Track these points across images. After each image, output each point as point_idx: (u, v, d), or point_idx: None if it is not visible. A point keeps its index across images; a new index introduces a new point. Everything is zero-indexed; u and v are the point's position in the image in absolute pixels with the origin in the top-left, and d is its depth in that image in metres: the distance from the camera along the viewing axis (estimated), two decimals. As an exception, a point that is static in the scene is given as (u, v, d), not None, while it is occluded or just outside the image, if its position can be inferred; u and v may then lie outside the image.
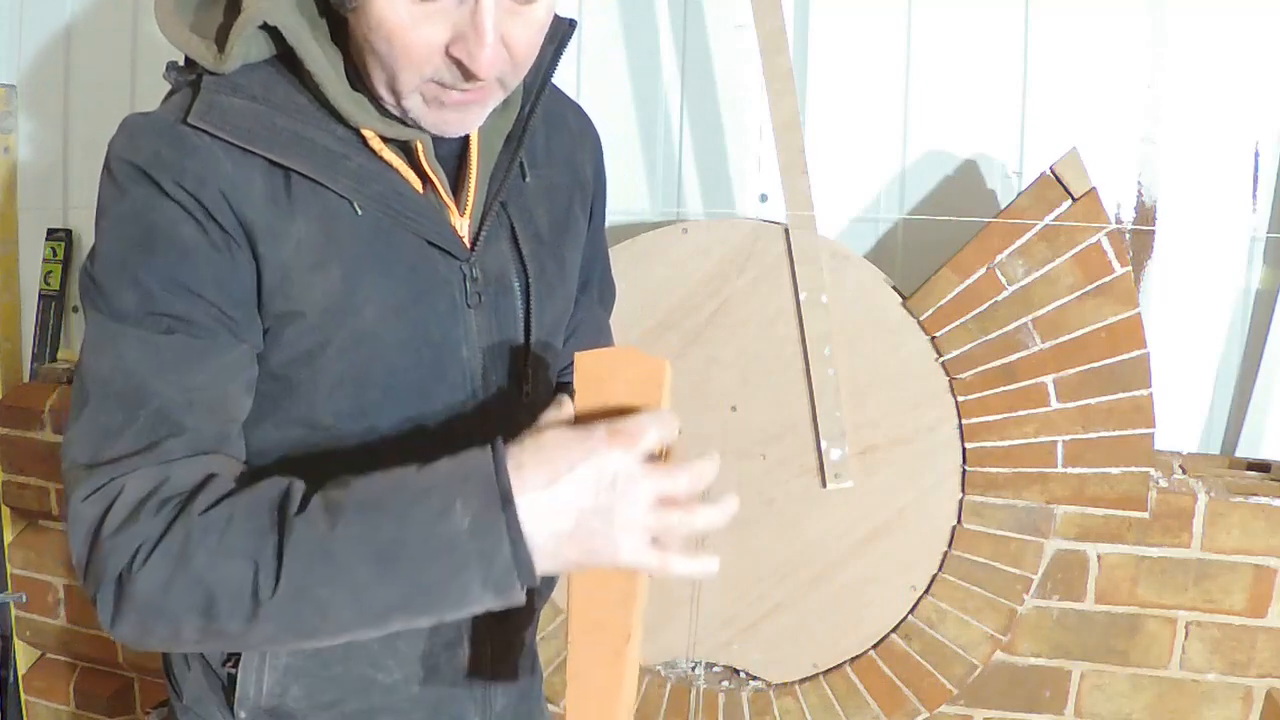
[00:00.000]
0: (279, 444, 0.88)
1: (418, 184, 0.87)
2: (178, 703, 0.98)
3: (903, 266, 1.86)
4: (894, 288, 1.73)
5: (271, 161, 0.81)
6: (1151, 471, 1.69)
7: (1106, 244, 1.62)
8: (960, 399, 1.72)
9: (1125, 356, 1.65)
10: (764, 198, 1.91)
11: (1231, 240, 1.79)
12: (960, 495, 1.74)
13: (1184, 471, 1.75)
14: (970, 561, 1.75)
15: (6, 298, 2.22)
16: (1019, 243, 1.65)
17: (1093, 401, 1.67)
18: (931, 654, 1.78)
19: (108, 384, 0.78)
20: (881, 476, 1.76)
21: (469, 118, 0.84)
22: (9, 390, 2.17)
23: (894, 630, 1.79)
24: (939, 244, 1.78)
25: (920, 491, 1.75)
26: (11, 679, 2.22)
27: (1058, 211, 1.63)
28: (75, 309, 2.24)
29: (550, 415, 0.79)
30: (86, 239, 2.20)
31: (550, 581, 1.09)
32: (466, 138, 0.89)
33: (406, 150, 0.86)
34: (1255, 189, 1.78)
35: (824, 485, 1.77)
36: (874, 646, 1.81)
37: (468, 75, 0.78)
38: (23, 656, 2.23)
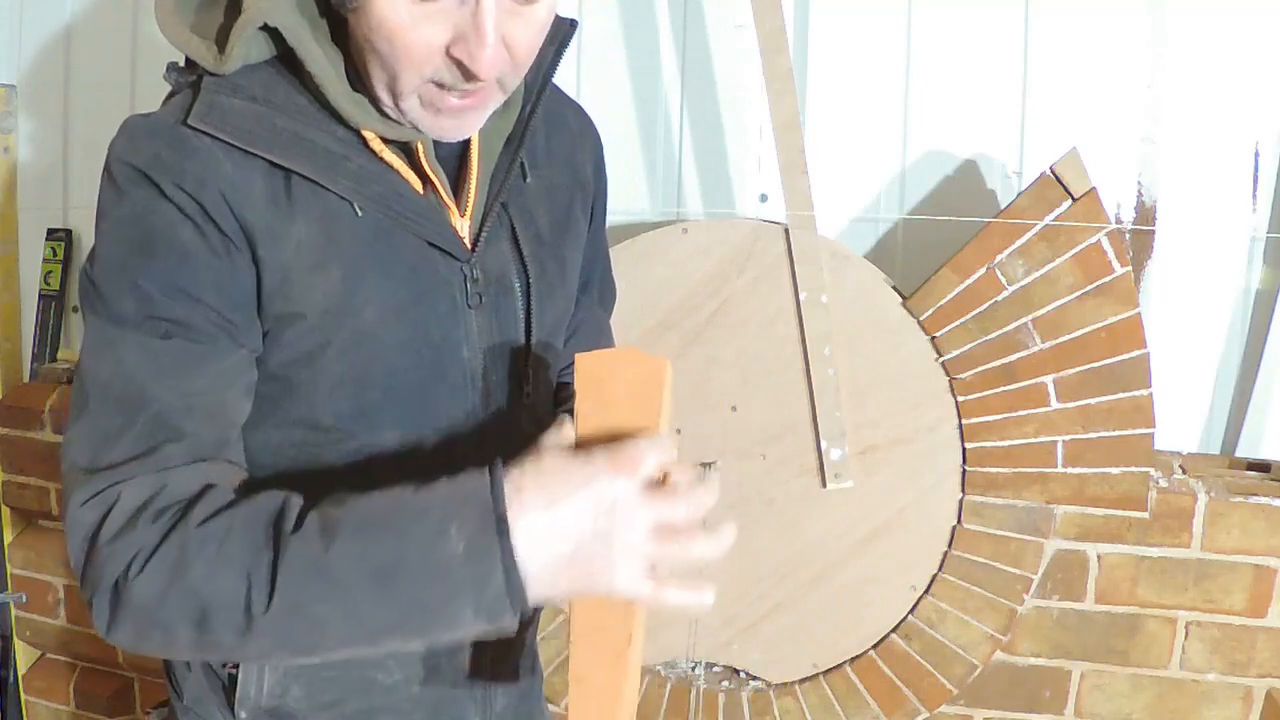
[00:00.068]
0: (279, 445, 0.87)
1: (418, 185, 0.87)
2: (178, 703, 0.98)
3: (903, 266, 1.86)
4: (894, 288, 1.73)
5: (272, 163, 0.81)
6: (1151, 471, 1.69)
7: (1106, 244, 1.63)
8: (960, 399, 1.72)
9: (1125, 356, 1.65)
10: (764, 198, 1.91)
11: (1231, 240, 1.79)
12: (960, 495, 1.74)
13: (1184, 471, 1.75)
14: (970, 561, 1.75)
15: (6, 298, 2.22)
16: (1019, 243, 1.65)
17: (1093, 401, 1.67)
18: (931, 654, 1.78)
19: (107, 388, 0.78)
20: (881, 476, 1.76)
21: (466, 124, 0.84)
22: (9, 390, 2.17)
23: (894, 630, 1.79)
24: (939, 244, 1.78)
25: (920, 491, 1.75)
26: (11, 679, 2.22)
27: (1058, 211, 1.63)
28: (75, 309, 2.24)
29: (550, 438, 0.78)
30: (86, 239, 2.20)
31: None
32: (467, 139, 0.88)
33: (407, 151, 0.86)
34: (1255, 189, 1.78)
35: (824, 485, 1.77)
36: (874, 646, 1.81)
37: (468, 76, 0.77)
38: (23, 656, 2.23)
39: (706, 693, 1.86)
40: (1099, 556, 1.72)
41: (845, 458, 1.76)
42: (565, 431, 0.78)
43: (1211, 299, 1.81)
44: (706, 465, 1.78)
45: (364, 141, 0.84)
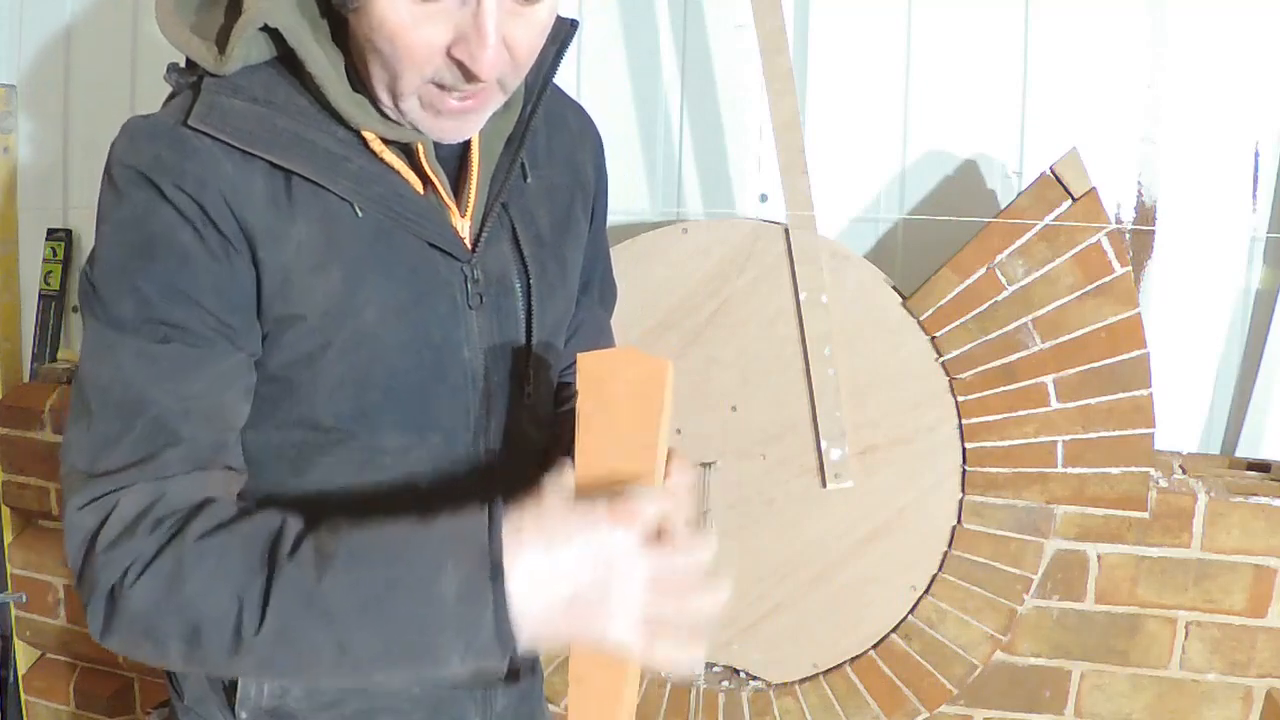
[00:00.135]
0: (279, 445, 0.87)
1: (419, 185, 0.86)
2: (179, 703, 0.98)
3: (903, 266, 1.86)
4: (894, 288, 1.73)
5: (272, 164, 0.81)
6: (1151, 471, 1.69)
7: (1106, 244, 1.63)
8: (960, 399, 1.72)
9: (1125, 356, 1.65)
10: (764, 198, 1.92)
11: (1231, 240, 1.79)
12: (960, 495, 1.74)
13: (1184, 471, 1.75)
14: (970, 561, 1.75)
15: (6, 298, 2.22)
16: (1019, 243, 1.65)
17: (1093, 401, 1.67)
18: (931, 654, 1.79)
19: (105, 392, 0.78)
20: (881, 476, 1.76)
21: (466, 125, 0.84)
22: (9, 390, 2.17)
23: (894, 630, 1.79)
24: (939, 244, 1.78)
25: (920, 491, 1.75)
26: (11, 679, 2.22)
27: (1058, 211, 1.63)
28: (75, 309, 2.24)
29: (552, 480, 0.77)
30: (86, 239, 2.20)
31: None
32: (467, 139, 0.88)
33: (407, 152, 0.86)
34: (1255, 189, 1.78)
35: (824, 485, 1.77)
36: (874, 646, 1.81)
37: (469, 77, 0.77)
38: (23, 656, 2.23)
39: (706, 693, 1.87)
40: (1099, 556, 1.72)
41: (845, 458, 1.76)
42: (566, 477, 0.78)
43: (1211, 299, 1.81)
44: (706, 465, 1.78)
45: (364, 142, 0.84)
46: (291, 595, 0.71)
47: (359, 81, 0.83)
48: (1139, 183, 1.81)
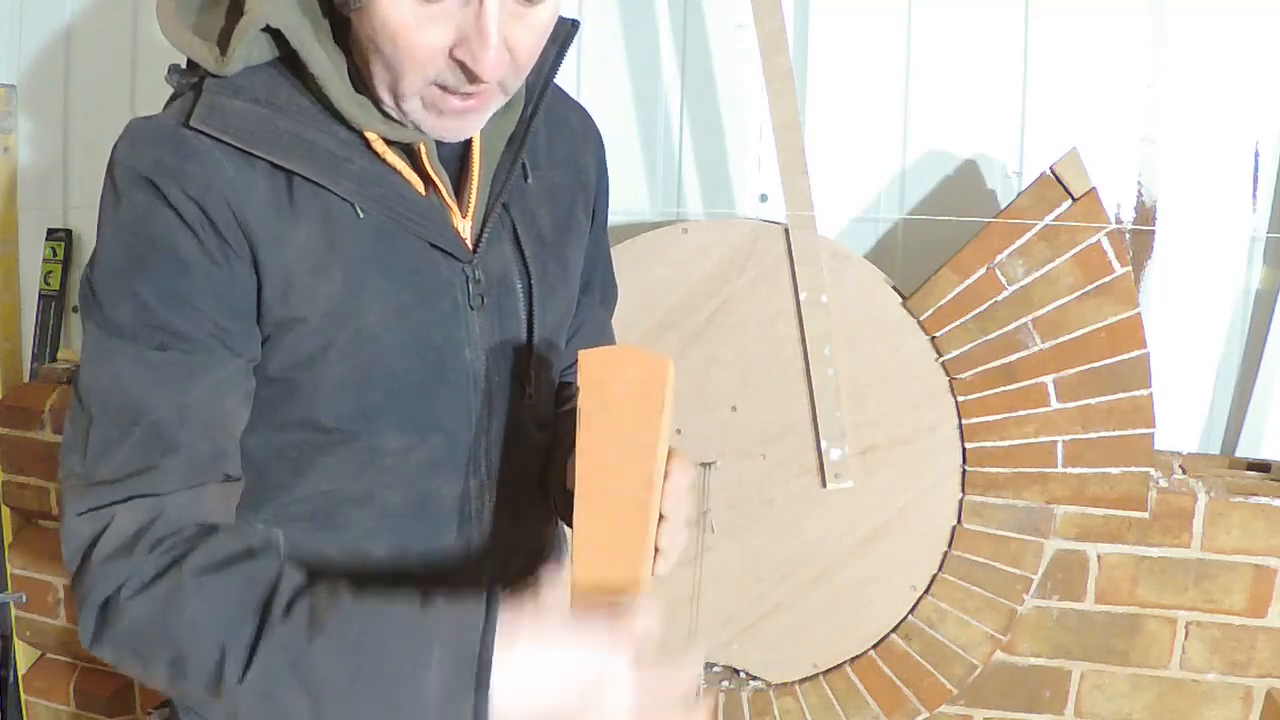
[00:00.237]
0: (280, 447, 0.87)
1: (420, 186, 0.86)
2: (179, 703, 0.98)
3: (903, 266, 1.86)
4: (894, 288, 1.73)
5: (274, 165, 0.81)
6: (1151, 471, 1.69)
7: (1106, 244, 1.63)
8: (960, 399, 1.72)
9: (1125, 356, 1.65)
10: (764, 198, 1.92)
11: (1231, 240, 1.79)
12: (960, 495, 1.74)
13: (1184, 471, 1.75)
14: (970, 561, 1.75)
15: (6, 298, 2.22)
16: (1019, 243, 1.65)
17: (1093, 401, 1.67)
18: (931, 654, 1.79)
19: (104, 398, 0.78)
20: (881, 476, 1.76)
21: (468, 124, 0.84)
22: (9, 390, 2.17)
23: (894, 630, 1.79)
24: (939, 244, 1.78)
25: (920, 491, 1.75)
26: (11, 679, 2.22)
27: (1058, 211, 1.63)
28: (75, 309, 2.24)
29: (551, 580, 0.77)
30: (86, 239, 2.20)
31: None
32: (468, 139, 0.88)
33: (409, 152, 0.86)
34: (1255, 189, 1.78)
35: (824, 485, 1.77)
36: (874, 646, 1.81)
37: (471, 78, 0.77)
38: (23, 656, 2.23)
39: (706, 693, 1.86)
40: (1099, 556, 1.72)
41: (845, 458, 1.76)
42: (565, 574, 0.78)
43: (1211, 299, 1.81)
44: (706, 465, 1.79)
45: (366, 143, 0.84)
46: (278, 655, 0.72)
47: (361, 82, 0.83)
48: (1139, 183, 1.81)
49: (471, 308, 0.89)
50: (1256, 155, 1.77)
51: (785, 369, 1.76)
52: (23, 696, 2.22)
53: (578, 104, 1.06)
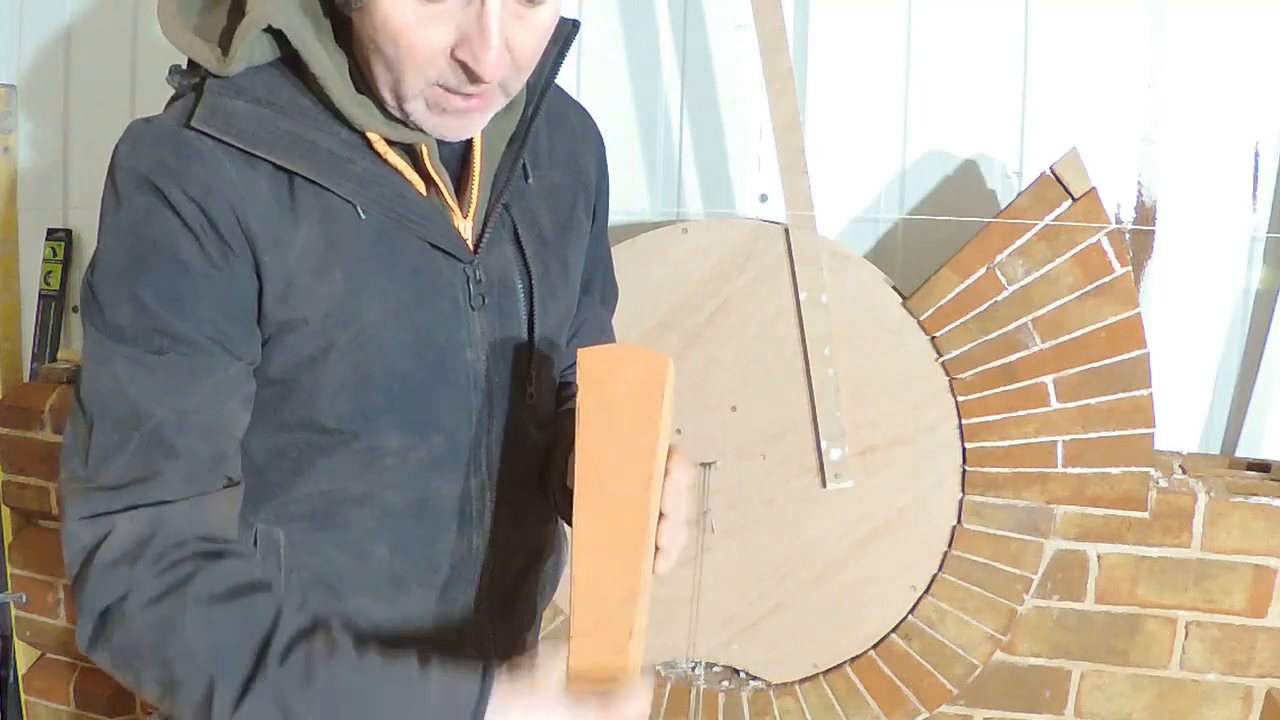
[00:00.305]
0: (280, 447, 0.87)
1: (421, 187, 0.86)
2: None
3: (903, 266, 1.86)
4: (894, 288, 1.73)
5: (275, 165, 0.81)
6: (1151, 471, 1.69)
7: (1106, 244, 1.63)
8: (960, 399, 1.72)
9: (1125, 356, 1.65)
10: (764, 198, 1.92)
11: (1231, 240, 1.79)
12: (960, 495, 1.74)
13: (1184, 471, 1.75)
14: (970, 561, 1.75)
15: (6, 298, 2.22)
16: (1019, 243, 1.65)
17: (1093, 401, 1.67)
18: (931, 654, 1.79)
19: (104, 402, 0.78)
20: (881, 476, 1.76)
21: (470, 124, 0.84)
22: (9, 390, 2.17)
23: (894, 630, 1.79)
24: (939, 244, 1.78)
25: (920, 491, 1.75)
26: (11, 679, 2.22)
27: (1058, 211, 1.63)
28: (75, 309, 2.24)
29: (549, 657, 0.78)
30: (87, 239, 2.20)
31: (553, 581, 1.09)
32: (470, 139, 0.88)
33: (410, 153, 0.86)
34: (1255, 189, 1.78)
35: (824, 485, 1.77)
36: (874, 646, 1.81)
37: (472, 78, 0.77)
38: (23, 656, 2.23)
39: (706, 693, 1.87)
40: (1099, 556, 1.72)
41: (845, 458, 1.76)
42: (561, 650, 0.78)
43: (1211, 299, 1.81)
44: (706, 465, 1.79)
45: (368, 143, 0.84)
46: (268, 702, 0.72)
47: (363, 83, 0.83)
48: (1139, 183, 1.81)
49: (472, 308, 0.89)
50: (1256, 155, 1.77)
51: (785, 369, 1.76)
52: (23, 696, 2.22)
53: (578, 104, 1.06)
